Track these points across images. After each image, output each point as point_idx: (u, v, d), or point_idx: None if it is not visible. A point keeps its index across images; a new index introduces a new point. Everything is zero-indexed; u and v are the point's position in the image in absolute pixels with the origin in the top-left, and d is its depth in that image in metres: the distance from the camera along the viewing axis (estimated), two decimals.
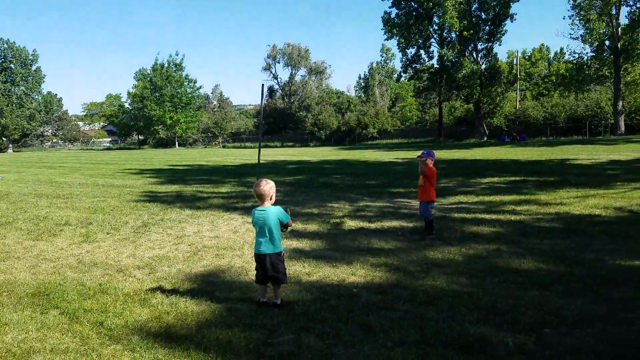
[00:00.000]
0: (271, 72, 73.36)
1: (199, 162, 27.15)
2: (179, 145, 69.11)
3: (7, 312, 4.02)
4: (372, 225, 7.35)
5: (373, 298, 4.17)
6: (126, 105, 76.54)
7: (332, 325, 3.59)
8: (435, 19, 47.16)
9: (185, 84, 68.15)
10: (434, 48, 49.43)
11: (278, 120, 63.42)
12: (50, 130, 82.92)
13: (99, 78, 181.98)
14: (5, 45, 68.77)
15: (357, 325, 3.59)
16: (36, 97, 72.65)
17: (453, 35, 46.81)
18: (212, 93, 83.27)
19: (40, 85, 73.06)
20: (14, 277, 5.05)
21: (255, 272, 4.21)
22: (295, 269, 5.10)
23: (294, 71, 72.39)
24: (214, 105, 78.99)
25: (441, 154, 23.85)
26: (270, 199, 4.06)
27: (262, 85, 14.48)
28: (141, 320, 3.81)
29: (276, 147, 58.03)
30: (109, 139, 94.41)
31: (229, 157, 32.69)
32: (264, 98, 13.86)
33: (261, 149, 14.44)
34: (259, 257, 4.04)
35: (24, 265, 5.51)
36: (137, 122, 69.45)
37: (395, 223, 7.50)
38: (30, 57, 71.26)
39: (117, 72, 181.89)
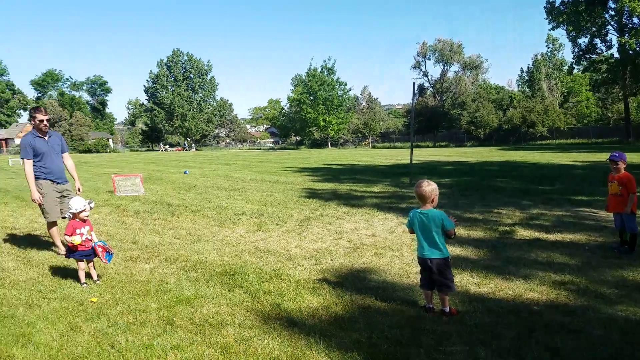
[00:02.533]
0: (421, 70, 71.96)
1: (351, 161, 27.95)
2: (331, 145, 72.32)
3: (202, 287, 4.64)
4: (550, 237, 6.54)
5: (559, 319, 3.70)
6: (285, 108, 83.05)
7: (511, 343, 3.30)
8: (611, 4, 40.51)
9: (336, 87, 70.86)
10: (612, 36, 42.55)
11: (429, 119, 61.70)
12: (223, 132, 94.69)
13: (261, 84, 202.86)
14: (186, 57, 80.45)
15: (541, 346, 3.23)
16: (212, 102, 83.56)
17: (635, 20, 39.56)
18: (361, 94, 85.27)
19: (214, 92, 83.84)
20: (205, 257, 5.80)
21: (419, 275, 4.10)
22: (462, 277, 4.82)
23: (445, 67, 69.82)
24: (363, 106, 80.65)
25: (632, 157, 20.29)
26: (432, 201, 3.87)
27: (414, 83, 14.22)
28: (313, 307, 4.04)
29: (428, 147, 56.62)
30: (271, 140, 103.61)
31: (378, 157, 32.99)
32: (413, 97, 13.62)
33: (413, 149, 14.17)
34: (424, 262, 3.90)
35: (212, 248, 6.30)
36: (294, 124, 74.80)
37: (579, 236, 6.55)
38: (206, 67, 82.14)
39: (277, 78, 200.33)
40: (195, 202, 10.63)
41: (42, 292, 4.53)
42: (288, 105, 78.26)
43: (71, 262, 5.46)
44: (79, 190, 6.32)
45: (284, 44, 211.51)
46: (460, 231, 6.90)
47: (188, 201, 10.85)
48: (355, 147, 67.49)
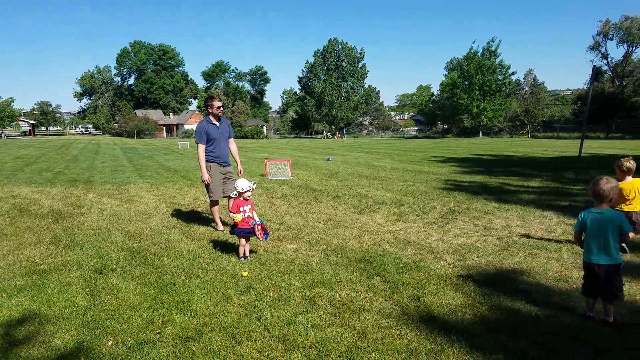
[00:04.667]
0: (600, 52, 62.65)
1: (505, 152, 25.85)
2: (483, 134, 67.91)
3: (342, 271, 4.73)
4: None
5: None
6: (435, 94, 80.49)
7: None
8: None
9: (498, 70, 65.91)
10: None
11: (604, 106, 53.47)
12: (367, 120, 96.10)
13: (411, 70, 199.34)
14: (340, 46, 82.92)
15: None
16: (359, 90, 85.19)
17: None
18: (524, 78, 78.08)
19: (363, 80, 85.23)
20: (345, 242, 5.91)
21: (582, 281, 3.69)
22: (632, 286, 4.20)
23: (631, 49, 59.58)
24: (525, 91, 73.69)
25: None
26: (610, 201, 3.52)
27: (593, 67, 12.36)
28: (455, 305, 3.83)
29: (599, 138, 49.36)
30: (416, 128, 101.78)
31: (539, 148, 29.89)
32: (591, 81, 11.78)
33: (583, 141, 12.39)
34: (590, 267, 3.55)
35: (351, 234, 6.38)
36: (443, 111, 72.06)
37: None
38: (358, 55, 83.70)
39: (431, 63, 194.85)
40: (337, 189, 10.92)
41: (200, 264, 5.06)
42: (439, 91, 75.70)
43: (227, 238, 6.07)
44: (240, 172, 6.98)
45: (439, 27, 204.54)
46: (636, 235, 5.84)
47: (330, 187, 11.22)
48: (511, 137, 62.22)
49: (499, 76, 66.44)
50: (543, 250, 5.46)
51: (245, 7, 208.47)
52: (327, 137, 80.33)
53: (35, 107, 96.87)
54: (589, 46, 65.31)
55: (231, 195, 5.74)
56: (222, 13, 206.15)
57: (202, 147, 6.57)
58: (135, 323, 3.52)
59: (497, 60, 66.27)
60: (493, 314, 3.63)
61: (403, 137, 76.06)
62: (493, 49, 66.12)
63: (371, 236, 6.26)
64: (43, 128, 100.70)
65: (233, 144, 6.98)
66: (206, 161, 6.59)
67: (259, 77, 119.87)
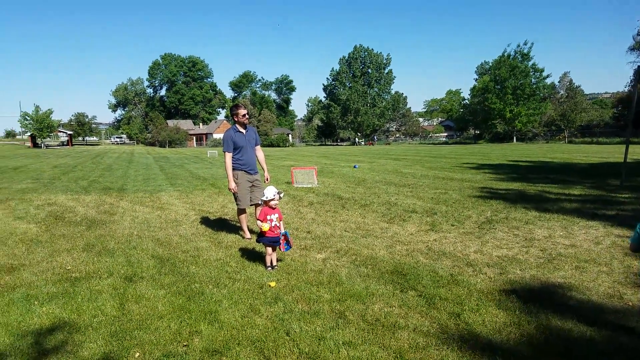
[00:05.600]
0: None
1: (542, 158, 24.92)
2: (517, 140, 66.04)
3: (373, 284, 4.50)
4: None
5: None
6: (466, 99, 78.97)
7: None
8: None
9: (531, 74, 64.13)
10: None
11: None
12: (394, 126, 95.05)
13: (440, 75, 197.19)
14: (365, 53, 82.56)
15: None
16: (386, 97, 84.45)
17: None
18: (559, 82, 75.65)
19: (390, 86, 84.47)
20: (375, 253, 5.67)
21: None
22: None
23: None
24: (561, 95, 71.32)
25: None
26: None
27: (638, 67, 11.66)
28: (499, 322, 3.55)
29: None
30: (445, 134, 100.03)
31: (578, 154, 28.70)
32: (634, 83, 11.17)
33: (628, 145, 11.70)
34: None
35: (382, 244, 6.13)
36: (475, 116, 70.52)
37: None
38: (384, 61, 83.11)
39: (459, 68, 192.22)
40: (365, 197, 10.66)
41: (228, 273, 4.94)
42: (470, 95, 74.27)
43: (254, 246, 5.94)
44: (267, 179, 6.88)
45: (468, 30, 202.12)
46: None
47: (357, 195, 10.98)
48: (547, 142, 60.10)
49: (533, 79, 64.62)
50: (591, 263, 5.08)
51: (270, 16, 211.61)
52: (357, 143, 79.84)
53: (73, 118, 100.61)
54: (629, 47, 62.26)
55: (259, 202, 5.64)
56: (248, 23, 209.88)
57: (229, 156, 6.51)
58: (162, 334, 3.42)
59: (530, 63, 64.54)
60: (541, 334, 3.34)
61: (432, 144, 74.85)
62: (525, 51, 64.49)
63: (403, 246, 6.00)
64: (80, 138, 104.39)
65: (260, 151, 6.88)
66: (233, 169, 6.51)
67: (285, 86, 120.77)
